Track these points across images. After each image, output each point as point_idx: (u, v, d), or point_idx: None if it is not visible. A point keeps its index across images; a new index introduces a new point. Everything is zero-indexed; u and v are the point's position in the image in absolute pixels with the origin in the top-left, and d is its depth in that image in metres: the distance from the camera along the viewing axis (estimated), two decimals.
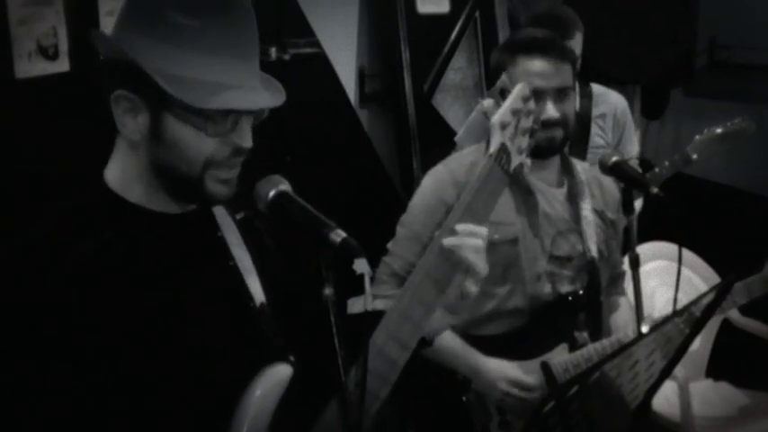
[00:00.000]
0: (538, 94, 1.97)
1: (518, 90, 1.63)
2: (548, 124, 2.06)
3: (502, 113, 1.59)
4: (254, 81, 1.33)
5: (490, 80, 4.48)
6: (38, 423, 1.22)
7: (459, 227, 1.50)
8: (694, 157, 3.10)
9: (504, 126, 1.60)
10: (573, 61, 2.16)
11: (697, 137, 3.14)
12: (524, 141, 1.67)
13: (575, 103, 2.16)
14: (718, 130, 3.12)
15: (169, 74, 1.25)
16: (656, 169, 3.16)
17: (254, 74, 1.34)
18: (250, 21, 1.33)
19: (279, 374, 1.39)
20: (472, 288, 1.54)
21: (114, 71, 1.30)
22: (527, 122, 1.66)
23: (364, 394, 1.26)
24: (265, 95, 1.33)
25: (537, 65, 2.07)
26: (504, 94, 1.75)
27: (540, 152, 2.07)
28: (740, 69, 4.20)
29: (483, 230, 1.52)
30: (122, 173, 1.35)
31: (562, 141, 2.14)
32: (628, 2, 3.96)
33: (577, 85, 2.24)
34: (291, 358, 1.42)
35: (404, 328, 1.44)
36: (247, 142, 1.33)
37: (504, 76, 2.05)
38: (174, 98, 1.25)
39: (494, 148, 1.59)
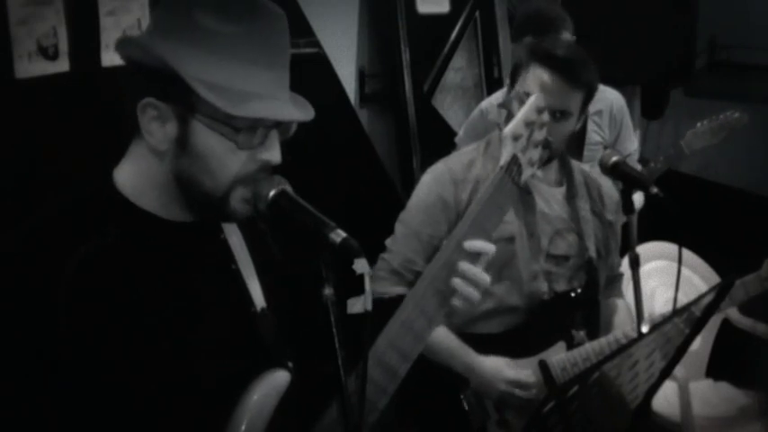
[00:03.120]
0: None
1: (533, 101, 1.59)
2: (542, 145, 2.05)
3: (515, 125, 1.56)
4: (285, 94, 1.31)
5: (491, 79, 4.46)
6: (35, 423, 1.22)
7: (467, 244, 1.47)
8: (688, 151, 3.13)
9: (516, 137, 1.56)
10: (589, 90, 2.12)
11: (690, 131, 3.16)
12: (536, 153, 1.63)
13: (571, 127, 2.13)
14: (711, 124, 3.14)
15: (205, 80, 1.23)
16: (651, 164, 3.17)
17: (285, 86, 1.31)
18: (284, 31, 1.30)
19: (277, 380, 1.38)
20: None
21: (143, 77, 1.27)
22: (540, 134, 1.62)
23: (364, 397, 1.26)
24: (295, 109, 1.31)
25: (546, 79, 2.03)
26: (520, 103, 1.73)
27: None
28: (739, 69, 4.21)
29: (490, 249, 1.49)
30: (137, 179, 1.32)
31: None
32: (628, 2, 3.97)
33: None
34: (290, 364, 1.42)
35: (405, 338, 1.43)
36: (276, 157, 1.31)
37: (517, 86, 2.06)
38: (208, 105, 1.22)
39: (505, 159, 1.56)
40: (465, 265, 1.46)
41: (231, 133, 1.26)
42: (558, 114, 2.05)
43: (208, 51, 1.24)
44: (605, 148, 2.97)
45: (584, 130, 3.07)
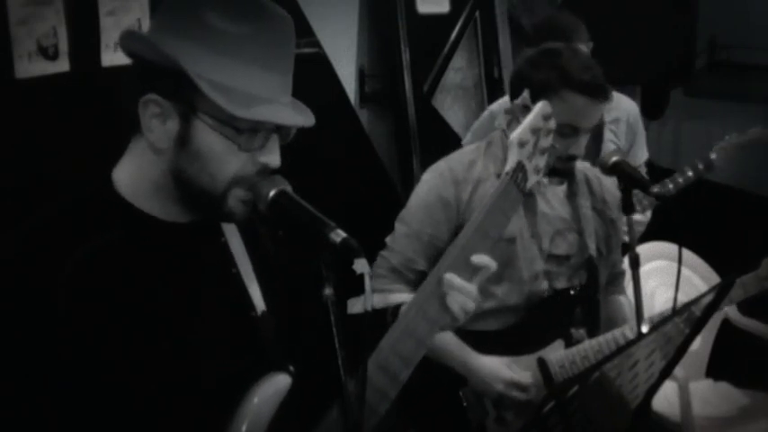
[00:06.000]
0: (572, 129, 2.02)
1: (540, 108, 1.58)
2: (573, 158, 2.09)
3: (521, 131, 1.56)
4: (288, 98, 1.31)
5: (491, 79, 4.46)
6: (35, 423, 1.22)
7: (475, 258, 1.47)
8: (717, 163, 3.09)
9: (522, 144, 1.56)
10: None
11: (718, 144, 3.11)
12: (542, 160, 1.62)
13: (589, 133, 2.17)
14: (740, 138, 3.11)
15: (210, 79, 1.22)
16: (679, 178, 3.12)
17: (288, 91, 1.31)
18: (290, 34, 1.29)
19: (277, 384, 1.38)
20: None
21: (147, 74, 1.26)
22: (546, 141, 1.61)
23: (364, 398, 1.26)
24: (297, 114, 1.31)
25: (583, 104, 2.04)
26: (526, 110, 1.73)
27: (554, 175, 2.14)
28: (739, 69, 4.20)
29: (492, 266, 1.49)
30: (136, 177, 1.32)
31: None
32: (628, 2, 3.97)
33: None
34: (290, 368, 1.42)
35: (407, 343, 1.42)
36: (275, 161, 1.30)
37: (526, 93, 2.05)
38: (211, 105, 1.22)
39: (510, 165, 1.55)
40: (449, 276, 1.46)
41: (233, 134, 1.25)
42: (591, 130, 2.09)
43: (214, 51, 1.23)
44: None
45: (600, 138, 3.06)
